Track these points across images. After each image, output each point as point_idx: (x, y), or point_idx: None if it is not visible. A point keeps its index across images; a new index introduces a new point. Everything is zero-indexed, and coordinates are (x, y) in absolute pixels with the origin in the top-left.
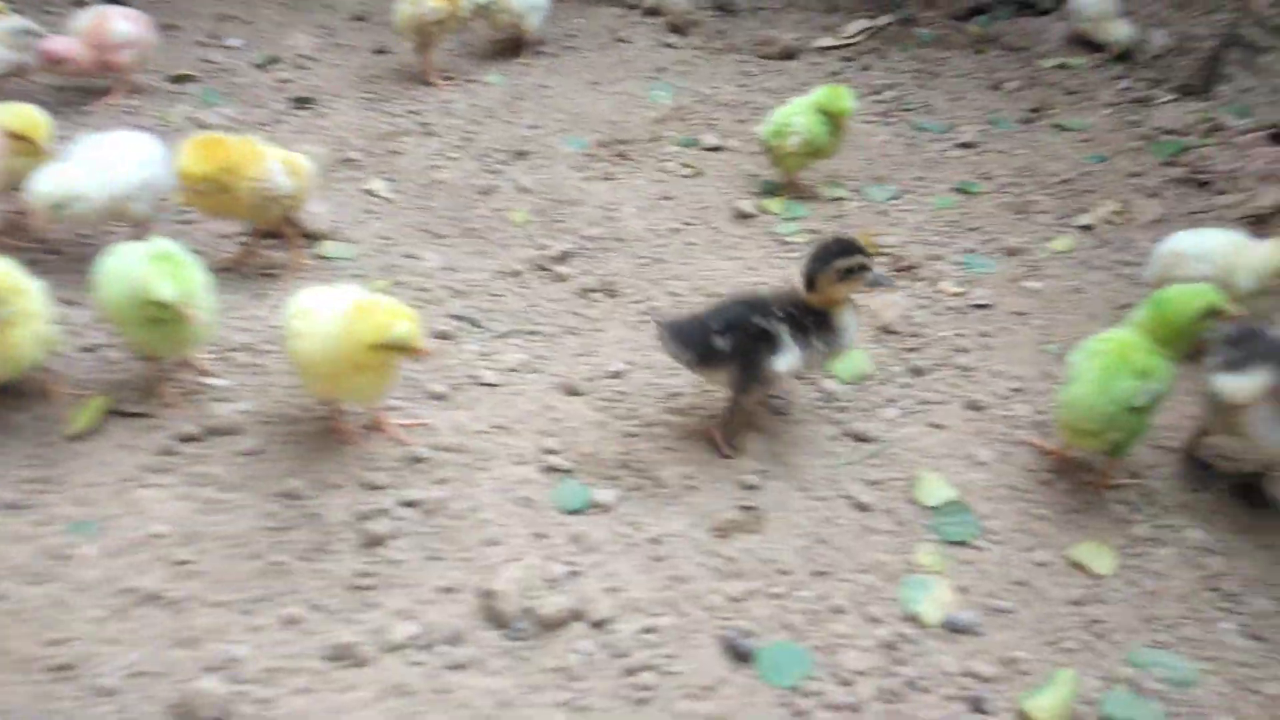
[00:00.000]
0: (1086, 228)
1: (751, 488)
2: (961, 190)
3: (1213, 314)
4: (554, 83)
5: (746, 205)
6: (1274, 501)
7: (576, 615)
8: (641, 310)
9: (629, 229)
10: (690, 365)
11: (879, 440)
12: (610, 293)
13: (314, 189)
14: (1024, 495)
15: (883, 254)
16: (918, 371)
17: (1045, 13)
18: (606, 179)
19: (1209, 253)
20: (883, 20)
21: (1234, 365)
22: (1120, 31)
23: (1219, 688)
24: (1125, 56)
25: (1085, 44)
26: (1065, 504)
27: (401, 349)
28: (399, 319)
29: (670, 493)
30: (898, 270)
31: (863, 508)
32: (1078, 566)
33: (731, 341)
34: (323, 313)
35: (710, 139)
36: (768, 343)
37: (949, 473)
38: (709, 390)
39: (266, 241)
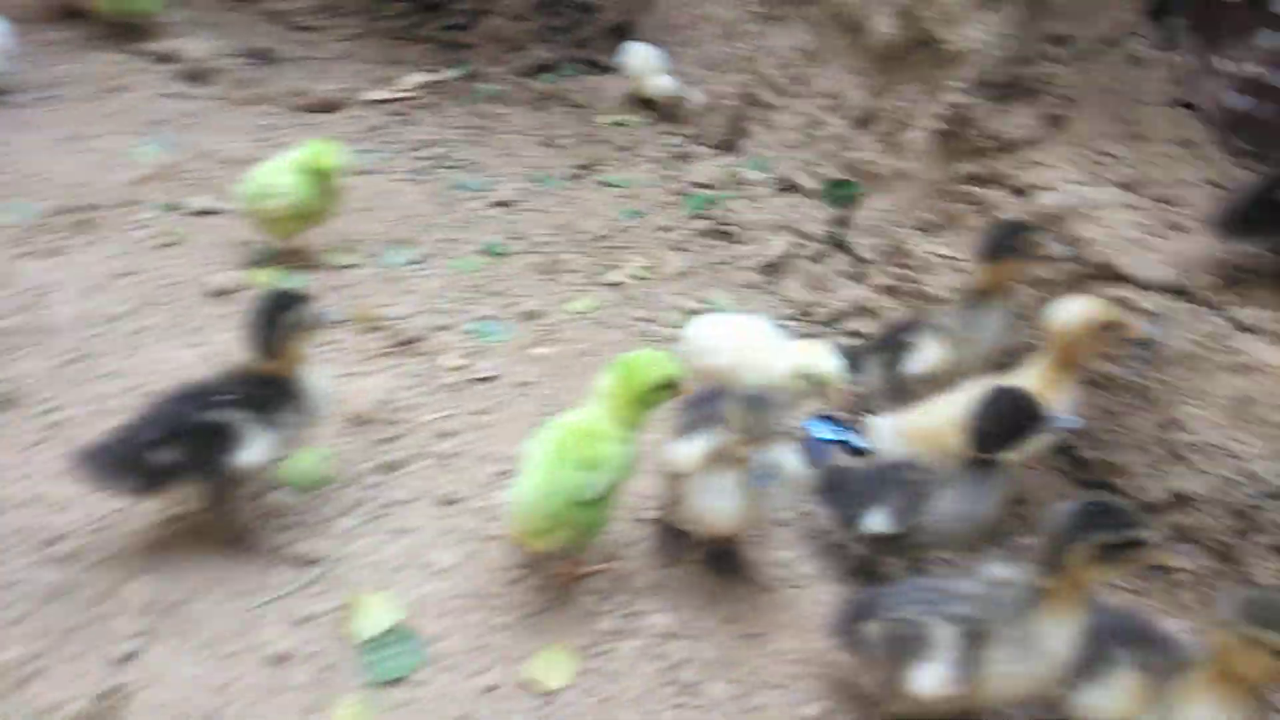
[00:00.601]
0: (614, 285)
1: (124, 658)
2: (489, 251)
3: (669, 386)
4: (13, 139)
5: (225, 279)
6: (735, 567)
7: None
8: (46, 426)
9: (56, 317)
10: (135, 494)
11: (325, 561)
12: (7, 402)
13: None
14: (486, 602)
15: (381, 328)
16: (390, 467)
17: (609, 70)
18: (50, 255)
19: (722, 346)
20: (446, 74)
21: (682, 432)
22: (661, 86)
23: None
24: (672, 113)
25: (641, 102)
26: (531, 605)
27: None
28: None
29: (4, 686)
30: (396, 345)
31: (279, 660)
32: (529, 685)
33: (178, 451)
34: None
35: (200, 201)
36: (224, 437)
37: (401, 589)
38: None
39: None
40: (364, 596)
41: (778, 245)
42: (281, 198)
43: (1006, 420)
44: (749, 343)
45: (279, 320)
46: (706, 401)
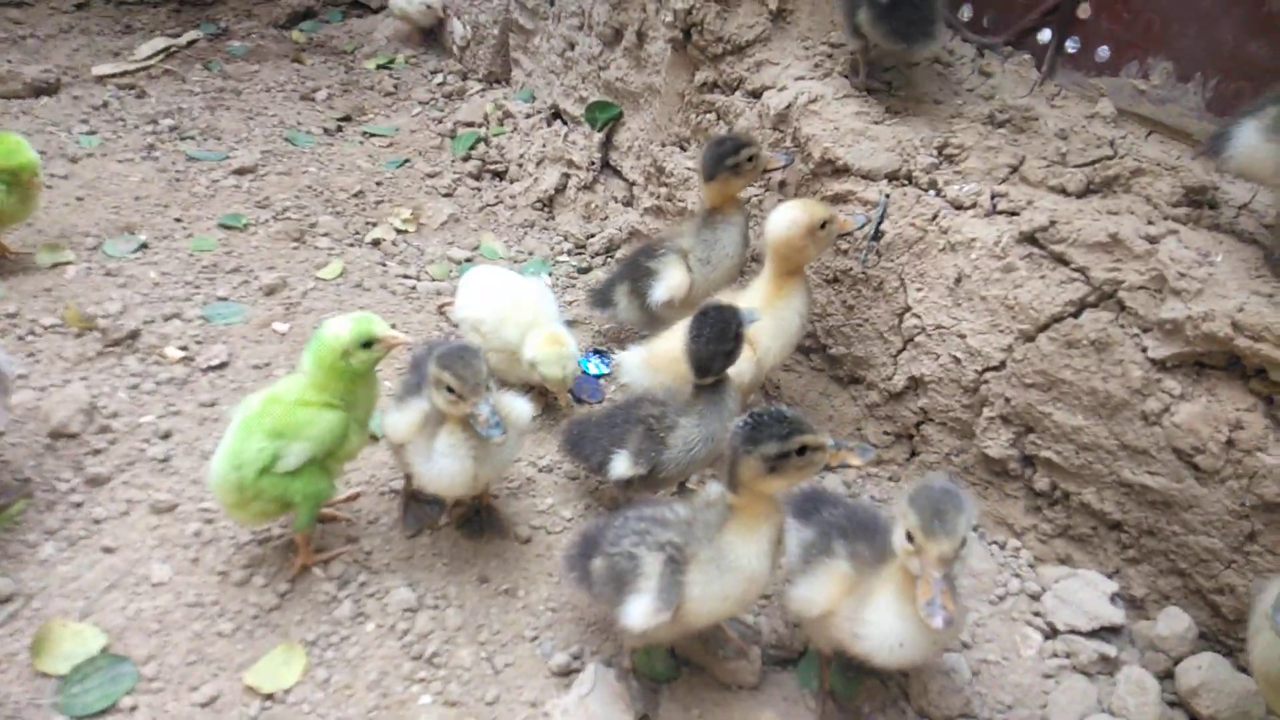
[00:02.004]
0: (375, 243)
1: None
2: (227, 226)
3: (369, 344)
4: None
5: None
6: (490, 527)
7: None
8: None
9: None
10: None
11: (18, 596)
12: None
13: None
14: (207, 611)
15: (94, 328)
16: (97, 481)
17: (379, 10)
18: None
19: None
20: (188, 37)
21: (399, 399)
22: (414, 6)
23: None
24: (433, 38)
25: (409, 38)
26: (259, 605)
27: None
28: None
29: None
30: (110, 345)
31: None
32: (254, 690)
33: None
34: None
35: None
36: None
37: (108, 613)
38: None
39: None
40: (56, 628)
41: (550, 178)
42: None
43: (717, 340)
44: (512, 302)
45: None
46: (426, 360)
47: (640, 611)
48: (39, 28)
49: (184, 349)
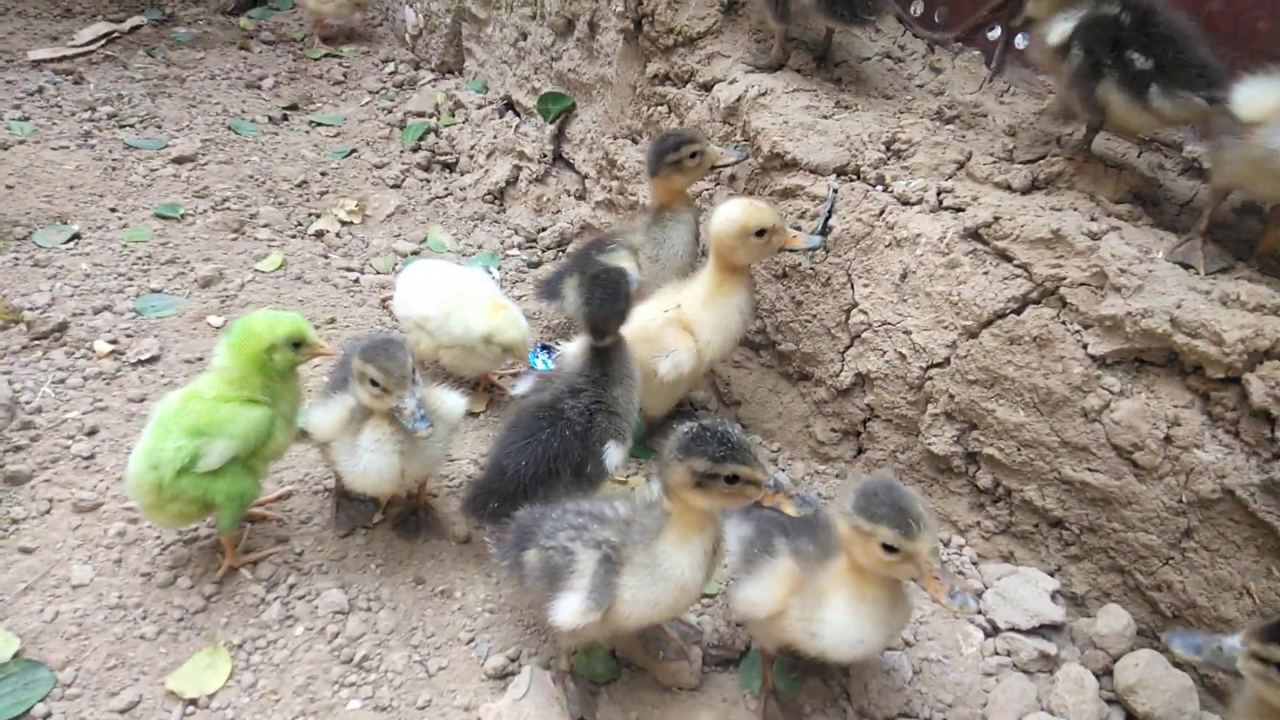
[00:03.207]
0: (318, 234)
1: None
2: (163, 216)
3: (298, 345)
4: None
5: None
6: (426, 526)
7: None
8: None
9: None
10: None
11: None
12: None
13: None
14: (129, 614)
15: (19, 321)
16: (16, 479)
17: None
18: None
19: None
20: (132, 22)
21: (324, 395)
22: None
23: None
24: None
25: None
26: (184, 607)
27: None
28: None
29: None
30: (35, 339)
31: None
32: (176, 695)
33: None
34: None
35: None
36: None
37: (23, 616)
38: None
39: None
40: None
41: (501, 170)
42: None
43: (610, 300)
44: (455, 294)
45: None
46: (345, 362)
47: (570, 610)
48: None
49: (114, 343)
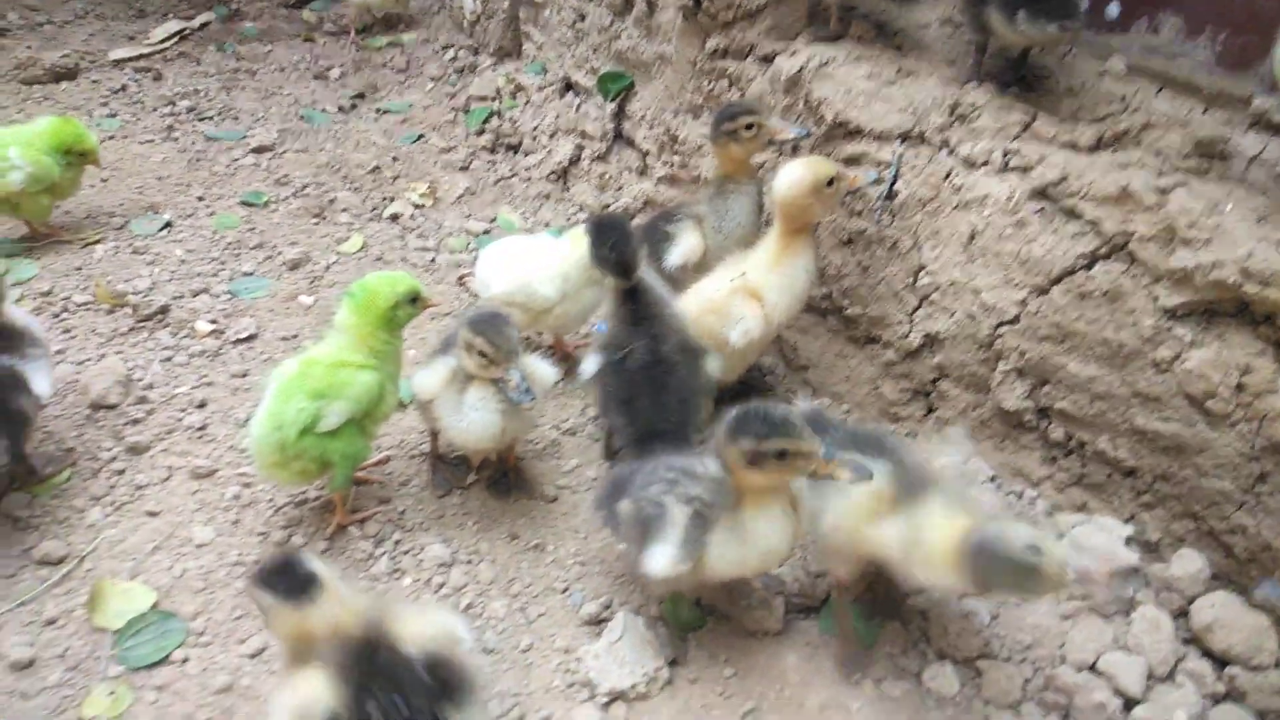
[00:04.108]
0: (393, 217)
1: None
2: (248, 203)
3: (414, 300)
4: None
5: None
6: (517, 486)
7: None
8: None
9: None
10: None
11: (71, 558)
12: None
13: None
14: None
15: (126, 304)
16: (138, 449)
17: None
18: None
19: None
20: (201, 19)
21: (427, 359)
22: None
23: None
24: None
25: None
26: None
27: None
28: None
29: None
30: (142, 320)
31: (23, 667)
32: None
33: None
34: None
35: None
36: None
37: (156, 572)
38: None
39: None
40: (108, 586)
41: (563, 150)
42: (20, 169)
43: (625, 240)
44: (534, 262)
45: None
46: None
47: (662, 560)
48: (54, 14)
49: (214, 323)
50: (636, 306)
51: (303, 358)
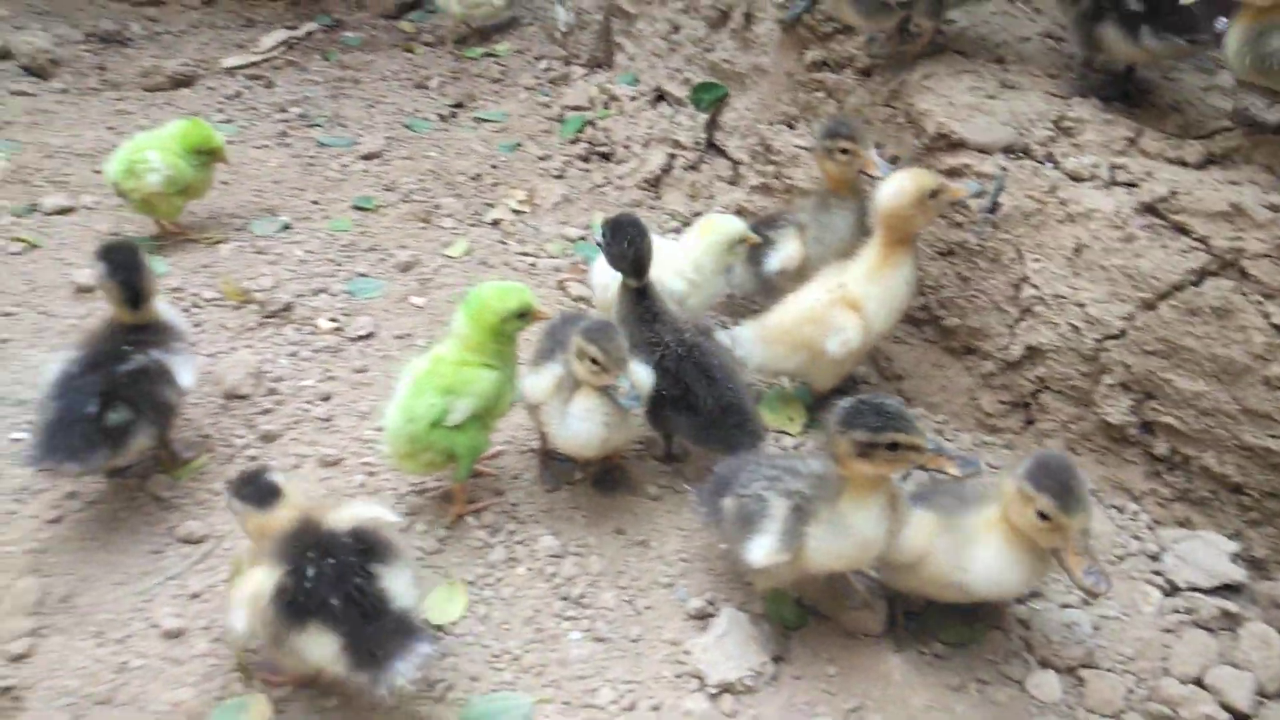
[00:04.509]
0: (494, 223)
1: (18, 657)
2: (360, 208)
3: (524, 314)
4: None
5: (89, 276)
6: (621, 484)
7: None
8: None
9: None
10: (101, 463)
11: (211, 538)
12: None
13: None
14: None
15: (252, 300)
16: (269, 437)
17: None
18: None
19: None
20: (305, 29)
21: (535, 363)
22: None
23: (552, 714)
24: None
25: (499, 31)
26: (422, 548)
27: None
28: None
29: None
30: (268, 316)
31: (174, 636)
32: (426, 622)
33: (125, 403)
34: None
35: (56, 200)
36: (155, 376)
37: None
38: None
39: None
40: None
41: (655, 159)
42: (157, 172)
43: (640, 238)
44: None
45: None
46: (562, 327)
47: (762, 549)
48: (172, 24)
49: (334, 320)
50: (649, 304)
51: (433, 354)
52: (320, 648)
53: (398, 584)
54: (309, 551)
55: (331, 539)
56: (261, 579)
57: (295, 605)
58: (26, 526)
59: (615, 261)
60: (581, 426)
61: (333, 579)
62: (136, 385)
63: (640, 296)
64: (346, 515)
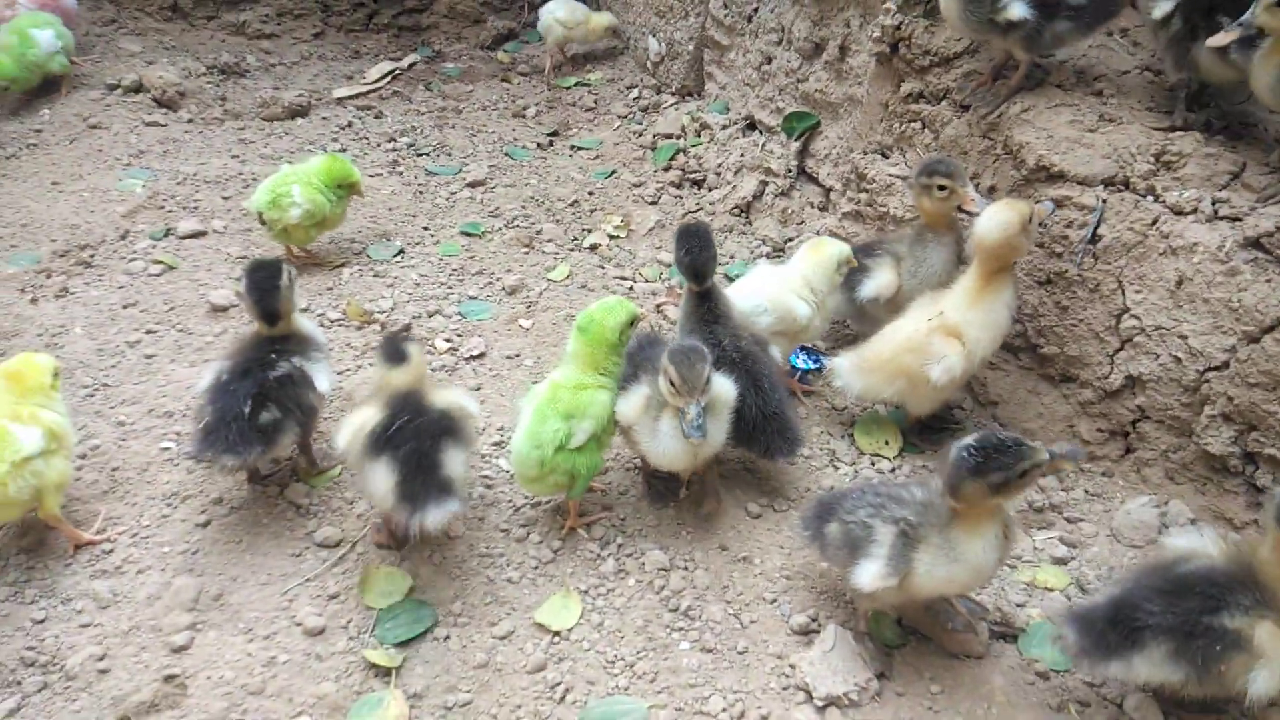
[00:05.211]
0: (592, 248)
1: (179, 649)
2: (468, 233)
3: (634, 322)
4: (3, 189)
5: (224, 296)
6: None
7: None
8: (79, 454)
9: (73, 354)
10: (254, 459)
11: (345, 543)
12: None
13: None
14: (495, 561)
15: (374, 321)
16: None
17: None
18: (57, 297)
19: (763, 302)
20: (408, 60)
21: (623, 385)
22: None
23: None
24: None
25: (590, 60)
26: (537, 558)
27: None
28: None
29: (78, 684)
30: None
31: (316, 633)
32: (542, 628)
33: (274, 404)
34: None
35: (189, 224)
36: (298, 381)
37: (415, 560)
38: None
39: None
40: (375, 571)
41: (747, 185)
42: (298, 206)
43: (706, 245)
44: (777, 287)
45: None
46: (641, 350)
47: (870, 575)
48: (285, 56)
49: (449, 341)
50: (711, 306)
51: (550, 382)
52: (381, 480)
53: (454, 459)
54: (405, 410)
55: (425, 408)
56: (367, 415)
57: (377, 441)
58: (179, 529)
59: (679, 266)
60: (671, 443)
61: (409, 435)
62: (283, 389)
63: (703, 300)
64: (444, 397)
